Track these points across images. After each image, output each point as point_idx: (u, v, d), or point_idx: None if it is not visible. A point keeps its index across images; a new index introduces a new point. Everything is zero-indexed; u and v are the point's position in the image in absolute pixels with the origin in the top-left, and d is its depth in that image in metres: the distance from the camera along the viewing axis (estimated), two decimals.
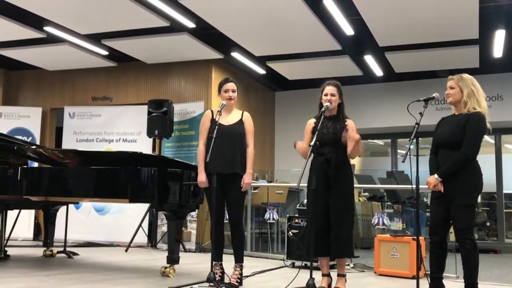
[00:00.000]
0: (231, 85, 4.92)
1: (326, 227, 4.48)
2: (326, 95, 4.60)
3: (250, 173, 4.78)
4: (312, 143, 4.33)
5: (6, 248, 6.35)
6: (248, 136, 4.88)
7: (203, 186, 4.81)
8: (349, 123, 4.60)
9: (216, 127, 4.64)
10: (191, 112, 8.89)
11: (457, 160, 3.93)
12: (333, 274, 4.66)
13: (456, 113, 4.17)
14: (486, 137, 9.79)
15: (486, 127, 3.99)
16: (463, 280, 3.96)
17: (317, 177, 4.45)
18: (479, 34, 7.14)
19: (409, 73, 9.37)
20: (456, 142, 3.96)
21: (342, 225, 4.44)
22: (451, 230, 4.06)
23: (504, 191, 9.90)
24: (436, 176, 3.96)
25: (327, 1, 6.24)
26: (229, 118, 4.90)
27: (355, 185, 4.97)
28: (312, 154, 4.47)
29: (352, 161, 4.78)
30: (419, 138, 4.00)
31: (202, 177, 4.77)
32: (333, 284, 4.59)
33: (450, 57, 8.24)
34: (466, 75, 4.12)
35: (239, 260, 4.81)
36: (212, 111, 4.94)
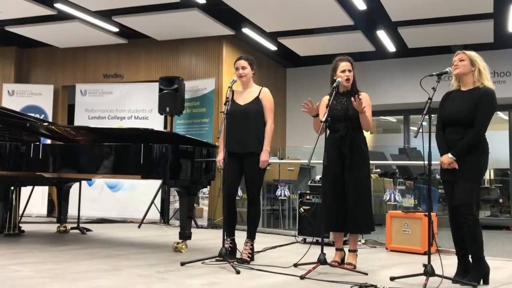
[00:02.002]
0: (239, 63, 4.90)
1: (342, 203, 4.48)
2: (343, 71, 4.54)
3: (267, 150, 4.76)
4: (324, 118, 4.30)
5: (20, 224, 6.42)
6: (267, 113, 4.84)
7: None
8: (364, 96, 4.52)
9: (228, 105, 4.65)
10: (202, 89, 8.87)
11: (471, 139, 3.88)
12: (345, 249, 4.69)
13: (462, 88, 4.07)
14: (499, 113, 9.78)
15: (497, 104, 3.96)
16: (469, 256, 3.96)
17: (329, 154, 4.44)
18: (493, 8, 7.01)
19: (422, 49, 9.24)
20: (469, 120, 3.89)
21: (359, 201, 4.44)
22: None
23: None
24: (450, 155, 3.91)
25: None
26: (247, 96, 4.89)
27: None
28: (328, 131, 4.46)
29: None
30: (432, 114, 3.95)
31: (220, 156, 4.79)
32: (345, 260, 4.61)
33: (464, 31, 8.10)
34: (474, 53, 4.05)
35: (251, 236, 4.83)
36: (233, 90, 4.91)
